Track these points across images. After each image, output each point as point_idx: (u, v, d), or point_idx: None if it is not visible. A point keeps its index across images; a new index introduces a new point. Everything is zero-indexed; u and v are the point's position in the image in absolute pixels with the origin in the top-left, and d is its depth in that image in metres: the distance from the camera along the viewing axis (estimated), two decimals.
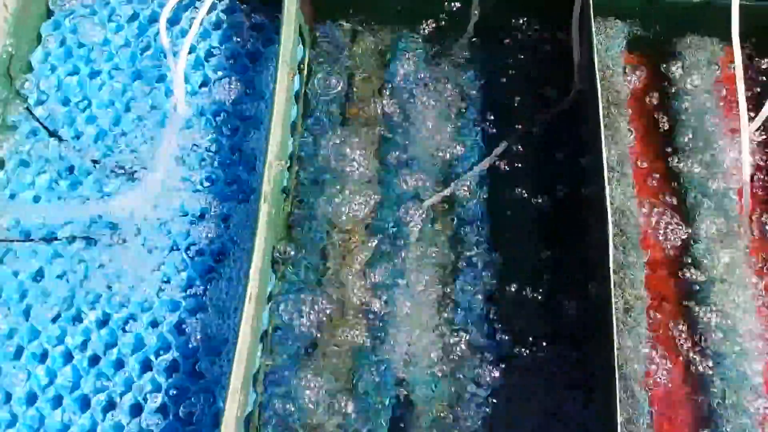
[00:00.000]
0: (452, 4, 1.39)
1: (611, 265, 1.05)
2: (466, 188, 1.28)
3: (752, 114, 1.25)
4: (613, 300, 1.06)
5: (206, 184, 1.28)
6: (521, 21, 1.41)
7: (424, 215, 1.26)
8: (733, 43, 1.22)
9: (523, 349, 1.18)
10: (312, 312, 1.20)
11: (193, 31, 1.29)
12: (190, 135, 1.30)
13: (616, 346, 1.02)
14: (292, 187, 1.29)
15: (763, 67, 1.34)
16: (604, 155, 1.11)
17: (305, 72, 1.39)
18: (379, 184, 1.30)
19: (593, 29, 1.21)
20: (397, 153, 1.32)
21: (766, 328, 1.16)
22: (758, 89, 1.32)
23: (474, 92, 1.37)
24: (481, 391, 1.16)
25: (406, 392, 1.16)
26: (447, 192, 1.26)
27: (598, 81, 1.16)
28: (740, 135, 1.21)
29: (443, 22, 1.41)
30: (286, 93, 1.24)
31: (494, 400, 1.15)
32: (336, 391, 1.16)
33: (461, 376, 1.17)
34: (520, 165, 1.31)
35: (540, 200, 1.27)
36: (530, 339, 1.19)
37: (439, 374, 1.17)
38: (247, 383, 1.10)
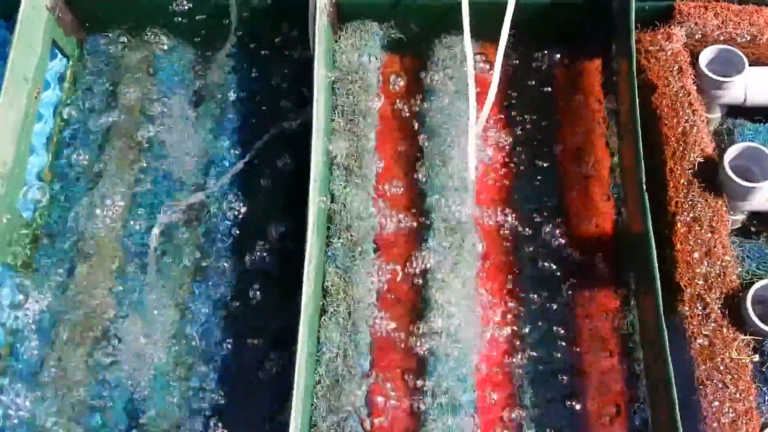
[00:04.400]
0: (216, 16, 1.39)
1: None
2: (213, 198, 1.28)
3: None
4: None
5: None
6: (284, 31, 1.40)
7: (163, 227, 1.26)
8: (465, 40, 1.22)
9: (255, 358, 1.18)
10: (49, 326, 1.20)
11: None
12: None
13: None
14: (43, 200, 1.30)
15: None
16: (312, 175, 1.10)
17: (69, 85, 1.39)
18: (133, 194, 1.30)
19: (315, 39, 1.19)
20: (156, 161, 1.32)
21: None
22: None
23: (235, 101, 1.37)
24: (209, 406, 1.16)
25: (136, 410, 1.16)
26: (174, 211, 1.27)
27: (315, 96, 1.16)
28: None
29: (205, 30, 1.40)
30: (23, 107, 1.24)
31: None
32: (65, 409, 1.16)
33: (191, 391, 1.16)
34: (265, 174, 1.31)
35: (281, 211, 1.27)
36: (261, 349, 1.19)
37: (169, 389, 1.16)
38: None
